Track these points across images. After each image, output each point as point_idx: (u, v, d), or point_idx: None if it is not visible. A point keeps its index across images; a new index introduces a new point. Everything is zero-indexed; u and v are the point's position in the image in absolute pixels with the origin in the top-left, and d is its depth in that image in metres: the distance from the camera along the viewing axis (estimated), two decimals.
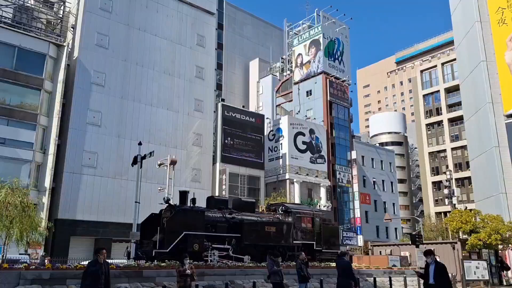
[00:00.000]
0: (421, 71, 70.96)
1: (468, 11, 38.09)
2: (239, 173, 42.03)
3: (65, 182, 31.22)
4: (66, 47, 33.03)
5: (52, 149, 30.99)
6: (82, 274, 8.49)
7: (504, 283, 25.49)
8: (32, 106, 31.20)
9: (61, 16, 36.29)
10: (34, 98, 31.37)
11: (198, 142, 39.55)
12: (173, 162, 29.76)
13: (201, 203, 22.19)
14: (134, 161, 21.07)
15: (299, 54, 56.28)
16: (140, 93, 36.58)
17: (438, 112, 67.32)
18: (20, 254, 22.71)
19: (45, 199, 29.72)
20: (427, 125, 68.44)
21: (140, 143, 21.22)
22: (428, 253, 9.80)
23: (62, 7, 36.47)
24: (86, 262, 13.08)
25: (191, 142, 39.06)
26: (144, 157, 21.21)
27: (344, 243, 42.10)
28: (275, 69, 62.21)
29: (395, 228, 57.95)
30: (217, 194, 38.52)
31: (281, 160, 45.47)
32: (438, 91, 67.32)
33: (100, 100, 34.09)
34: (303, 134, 47.07)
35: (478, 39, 36.05)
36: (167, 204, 18.54)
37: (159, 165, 30.78)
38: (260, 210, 24.34)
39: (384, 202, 57.40)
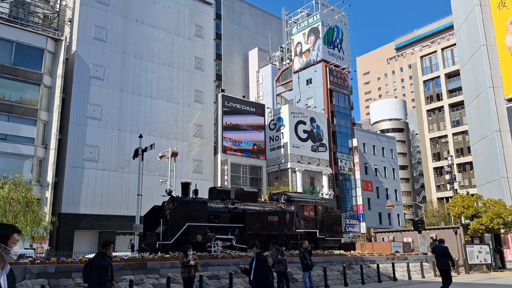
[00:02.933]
0: (421, 57, 70.55)
1: None
2: (240, 163, 42.11)
3: (67, 177, 31.32)
4: (64, 41, 32.90)
5: (53, 144, 31.04)
6: (85, 266, 8.54)
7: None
8: (32, 101, 31.17)
9: (57, 10, 36.08)
10: (34, 93, 31.33)
11: (199, 133, 39.56)
12: (174, 154, 29.75)
13: (204, 194, 22.28)
14: (135, 154, 21.09)
15: (298, 43, 55.98)
16: (139, 85, 36.50)
17: (439, 97, 67.09)
18: (25, 248, 22.89)
19: (48, 194, 29.86)
20: (427, 111, 68.25)
21: (140, 136, 21.22)
22: (251, 246, 8.74)
23: (58, 1, 36.23)
24: (90, 256, 13.17)
25: (192, 133, 39.07)
26: (145, 150, 21.22)
27: (347, 230, 42.32)
28: (274, 58, 61.93)
29: (398, 215, 58.18)
30: (219, 184, 38.64)
31: (282, 149, 45.51)
32: (439, 76, 67.01)
33: (99, 93, 34.04)
34: (304, 123, 47.02)
35: (478, 23, 35.76)
36: (169, 196, 18.64)
37: (161, 157, 30.78)
38: (263, 200, 24.44)
39: (386, 189, 57.53)
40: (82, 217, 31.25)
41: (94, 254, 9.10)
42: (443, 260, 12.47)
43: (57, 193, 31.11)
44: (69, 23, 35.16)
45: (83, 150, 32.40)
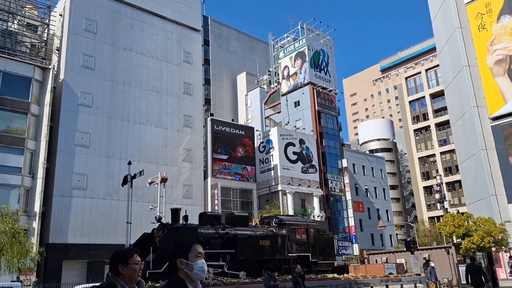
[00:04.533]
0: (406, 78, 71.94)
1: (448, 18, 38.87)
2: (231, 186, 41.93)
3: (55, 206, 30.82)
4: (51, 70, 32.93)
5: (40, 173, 30.66)
6: None
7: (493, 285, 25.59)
8: (19, 131, 30.91)
9: (45, 39, 36.22)
10: (21, 122, 31.10)
11: (189, 158, 39.44)
12: (163, 180, 29.53)
13: (194, 219, 22.07)
14: (124, 181, 20.95)
15: (286, 66, 56.76)
16: (128, 112, 36.49)
17: (425, 117, 68.11)
18: (12, 281, 22.27)
19: (36, 224, 29.29)
20: (415, 130, 69.14)
21: (129, 163, 21.11)
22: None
23: (46, 30, 36.42)
24: (79, 287, 12.88)
25: (181, 158, 38.94)
26: (134, 177, 21.10)
27: (340, 253, 42.03)
28: (262, 82, 62.61)
29: (390, 235, 58.05)
30: (209, 209, 38.32)
31: (272, 171, 45.49)
32: (424, 97, 68.21)
33: (88, 121, 33.91)
34: (293, 145, 47.22)
35: (459, 45, 36.72)
36: (159, 223, 18.41)
37: (150, 183, 30.53)
38: (254, 224, 24.27)
39: (378, 210, 57.56)
40: (70, 247, 30.61)
41: (83, 285, 8.91)
42: (477, 277, 13.53)
43: (45, 222, 30.54)
44: (57, 51, 35.30)
45: (71, 178, 32.02)
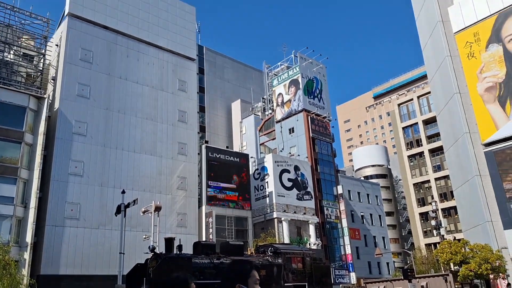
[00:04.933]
0: (399, 105, 72.84)
1: (438, 46, 39.75)
2: (226, 214, 41.56)
3: (47, 236, 30.31)
4: (46, 99, 33.05)
5: (33, 202, 30.28)
6: None
7: None
8: (12, 160, 30.71)
9: (41, 68, 36.51)
10: (15, 151, 30.95)
11: (183, 186, 39.22)
12: (157, 208, 29.23)
13: (188, 249, 21.74)
14: (118, 210, 20.74)
15: (280, 94, 57.38)
16: (122, 140, 36.48)
17: (418, 143, 68.60)
18: None
19: (27, 255, 28.70)
20: (409, 156, 69.47)
21: (123, 192, 20.97)
22: None
23: (42, 60, 36.76)
24: None
25: (175, 186, 38.71)
26: (127, 206, 20.91)
27: (337, 282, 41.40)
28: (257, 109, 63.11)
29: (387, 263, 57.40)
30: (204, 238, 37.83)
31: (267, 198, 45.24)
32: (417, 123, 68.91)
33: (82, 150, 33.82)
34: (288, 171, 47.18)
35: (450, 73, 37.42)
36: (152, 253, 18.11)
37: (144, 212, 30.20)
38: (249, 253, 23.93)
39: (374, 237, 57.10)
40: (62, 278, 29.92)
41: None
42: None
43: (36, 253, 29.94)
44: (52, 81, 35.52)
45: (64, 208, 31.64)
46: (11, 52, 35.23)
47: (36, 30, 36.79)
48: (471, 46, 36.90)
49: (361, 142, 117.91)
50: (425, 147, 66.91)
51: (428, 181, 66.44)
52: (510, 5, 34.82)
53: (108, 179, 34.53)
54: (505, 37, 34.85)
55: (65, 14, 36.87)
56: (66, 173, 32.48)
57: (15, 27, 35.39)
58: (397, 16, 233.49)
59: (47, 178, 31.72)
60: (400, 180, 78.86)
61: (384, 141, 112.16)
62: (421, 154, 68.03)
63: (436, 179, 65.24)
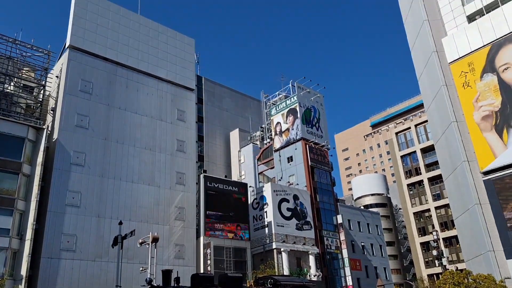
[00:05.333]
0: (396, 133, 73.18)
1: (433, 76, 40.28)
2: (224, 245, 40.96)
3: (42, 269, 29.74)
4: (45, 130, 33.15)
5: (29, 234, 29.87)
6: None
7: None
8: (9, 191, 30.50)
9: (40, 100, 36.80)
10: (12, 182, 30.77)
11: (181, 216, 38.84)
12: (155, 240, 28.78)
13: (186, 281, 21.29)
14: (115, 242, 20.45)
15: (278, 123, 57.70)
16: (120, 170, 36.37)
17: (417, 172, 68.52)
18: None
19: None
20: (408, 185, 69.23)
21: (120, 223, 20.75)
22: None
23: (42, 91, 37.10)
24: None
25: (173, 216, 38.33)
26: (125, 237, 20.64)
27: None
28: (255, 138, 63.29)
29: None
30: (202, 270, 37.18)
31: (266, 229, 44.70)
32: (415, 151, 69.06)
33: (79, 180, 33.66)
34: (287, 201, 46.84)
35: (446, 102, 37.74)
36: (149, 286, 17.72)
37: (141, 243, 29.72)
38: (248, 285, 23.44)
39: (375, 267, 56.13)
40: None
41: None
42: None
43: (31, 287, 29.26)
44: (51, 112, 35.74)
45: (60, 240, 31.20)
46: (12, 83, 35.60)
47: (37, 62, 37.37)
48: (466, 75, 37.41)
49: (360, 171, 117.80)
50: (424, 176, 66.78)
51: (429, 210, 65.97)
52: (502, 36, 35.53)
53: (105, 210, 34.21)
54: (499, 67, 35.38)
55: (66, 46, 37.50)
56: (63, 204, 32.21)
57: (16, 59, 35.90)
58: (393, 46, 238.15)
59: (44, 209, 31.42)
60: (400, 209, 78.32)
61: (383, 170, 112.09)
62: (420, 182, 67.83)
63: (436, 208, 64.79)
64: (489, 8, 37.78)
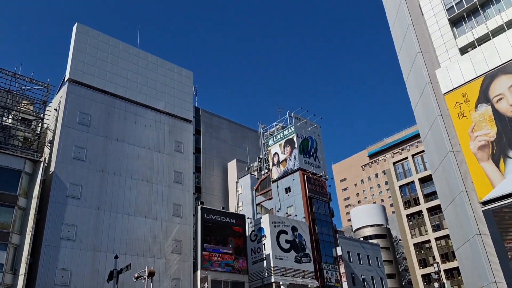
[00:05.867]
0: (394, 163, 73.25)
1: (428, 106, 40.70)
2: (222, 279, 40.14)
3: None
4: (42, 163, 33.06)
5: (23, 269, 29.26)
6: None
7: None
8: (4, 225, 30.09)
9: (38, 132, 36.88)
10: (7, 216, 30.41)
11: (178, 249, 38.25)
12: (151, 274, 28.25)
13: None
14: (110, 277, 20.07)
15: (275, 153, 57.80)
16: (117, 202, 36.07)
17: (416, 202, 68.18)
18: None
19: None
20: (407, 215, 68.71)
21: (116, 257, 20.47)
22: None
23: (40, 124, 37.23)
24: None
25: (170, 249, 37.74)
26: (120, 272, 20.26)
27: None
28: (253, 169, 63.21)
29: None
30: None
31: (265, 262, 43.95)
32: (413, 181, 68.94)
33: (75, 213, 33.32)
34: (286, 232, 46.28)
35: (442, 132, 37.95)
36: None
37: (137, 278, 29.13)
38: None
39: None
40: None
41: None
42: None
43: None
44: (49, 144, 35.76)
45: (55, 275, 30.55)
46: (10, 116, 35.77)
47: (35, 95, 37.67)
48: (460, 106, 37.83)
49: (359, 201, 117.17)
50: (423, 206, 66.40)
51: (429, 241, 65.20)
52: (495, 67, 36.19)
53: (101, 243, 33.68)
54: (493, 98, 35.85)
55: (65, 79, 37.94)
56: (58, 238, 31.73)
57: (15, 92, 36.23)
58: (389, 76, 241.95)
59: (39, 242, 30.91)
60: (400, 240, 77.45)
61: (382, 200, 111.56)
62: (419, 213, 67.36)
63: (436, 238, 64.06)
64: (481, 40, 38.68)
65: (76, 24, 40.06)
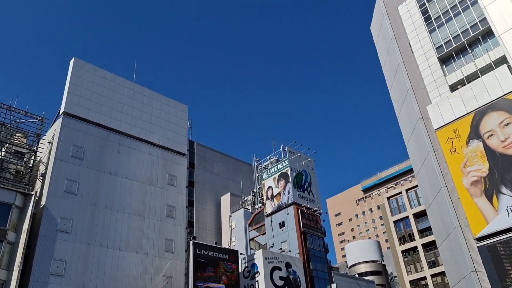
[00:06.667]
0: (388, 198, 73.06)
1: (420, 142, 41.15)
2: None
3: None
4: (33, 196, 32.63)
5: None
6: None
7: None
8: None
9: (31, 165, 36.61)
10: None
11: (169, 286, 37.36)
12: None
13: None
14: None
15: (269, 187, 57.55)
16: (108, 237, 35.44)
17: (411, 238, 67.55)
18: None
19: None
20: (402, 251, 67.89)
21: None
22: None
23: (33, 157, 37.02)
24: None
25: (161, 286, 36.87)
26: None
27: None
28: (246, 203, 62.72)
29: None
30: None
31: None
32: (407, 217, 68.55)
33: (65, 248, 32.61)
34: (280, 269, 45.42)
35: (435, 167, 38.22)
36: None
37: None
38: None
39: None
40: None
41: None
42: None
43: None
44: (41, 177, 35.42)
45: None
46: (3, 149, 35.58)
47: (30, 128, 37.67)
48: (452, 142, 38.28)
49: (353, 237, 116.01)
50: (418, 242, 65.72)
51: (425, 277, 64.15)
52: (485, 104, 36.92)
53: (90, 280, 32.81)
54: (484, 134, 36.37)
55: (60, 113, 38.06)
56: (46, 274, 30.91)
57: (9, 125, 36.20)
58: (382, 111, 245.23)
59: (27, 278, 30.06)
60: (395, 277, 76.14)
61: (377, 235, 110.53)
62: (414, 249, 66.60)
63: (432, 275, 63.07)
64: (470, 78, 39.66)
65: (73, 58, 40.62)
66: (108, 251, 34.88)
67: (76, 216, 34.29)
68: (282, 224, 53.64)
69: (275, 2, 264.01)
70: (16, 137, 37.27)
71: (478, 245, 34.25)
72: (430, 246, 63.99)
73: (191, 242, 42.13)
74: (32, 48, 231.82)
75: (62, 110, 37.92)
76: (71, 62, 40.45)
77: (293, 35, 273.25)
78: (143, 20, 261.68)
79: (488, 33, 39.59)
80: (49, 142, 37.48)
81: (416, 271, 65.50)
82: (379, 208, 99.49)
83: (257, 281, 43.94)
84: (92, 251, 34.01)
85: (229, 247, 51.38)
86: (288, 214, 53.37)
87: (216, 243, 51.19)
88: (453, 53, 42.03)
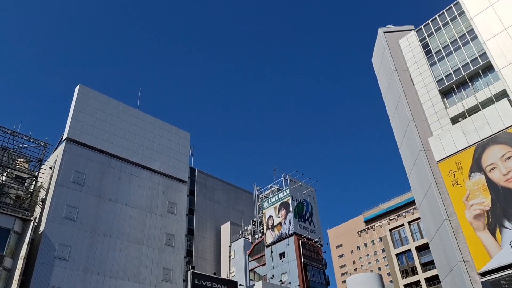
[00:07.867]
0: (390, 230, 72.17)
1: (422, 174, 40.99)
2: None
3: None
4: (32, 222, 32.38)
5: None
6: None
7: None
8: None
9: (31, 190, 36.50)
10: None
11: None
12: None
13: None
14: None
15: (270, 216, 57.03)
16: (105, 265, 34.91)
17: (414, 271, 66.30)
18: None
19: None
20: (405, 285, 66.50)
21: None
22: None
23: (34, 182, 36.96)
24: None
25: None
26: None
27: None
28: (246, 232, 62.02)
29: None
30: None
31: None
32: (410, 249, 67.52)
33: (62, 275, 32.08)
34: None
35: (437, 200, 37.89)
36: None
37: None
38: None
39: None
40: None
41: None
42: None
43: None
44: (41, 203, 35.26)
45: None
46: (4, 174, 35.58)
47: (32, 153, 37.80)
48: (454, 174, 38.12)
49: (355, 269, 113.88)
50: (421, 276, 64.47)
51: None
52: (486, 137, 36.97)
53: None
54: (486, 167, 36.26)
55: (63, 138, 38.27)
56: None
57: (12, 150, 36.34)
58: (384, 142, 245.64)
59: None
60: None
61: (379, 268, 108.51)
62: (417, 283, 65.25)
63: None
64: (471, 111, 39.90)
65: (78, 85, 41.21)
66: (105, 279, 34.29)
67: (74, 243, 33.91)
68: (282, 255, 52.85)
69: (279, 34, 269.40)
70: (18, 162, 37.34)
71: (481, 280, 33.57)
72: (433, 281, 62.70)
73: (189, 272, 41.44)
74: (38, 75, 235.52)
75: (65, 136, 38.15)
76: (76, 88, 41.00)
77: (295, 64, 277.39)
78: (148, 49, 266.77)
79: (488, 67, 40.12)
80: (50, 168, 37.51)
81: None
82: (381, 240, 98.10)
83: None
84: (89, 278, 33.44)
85: (228, 278, 50.45)
86: (288, 244, 52.66)
87: (215, 273, 50.26)
88: (454, 86, 42.47)
